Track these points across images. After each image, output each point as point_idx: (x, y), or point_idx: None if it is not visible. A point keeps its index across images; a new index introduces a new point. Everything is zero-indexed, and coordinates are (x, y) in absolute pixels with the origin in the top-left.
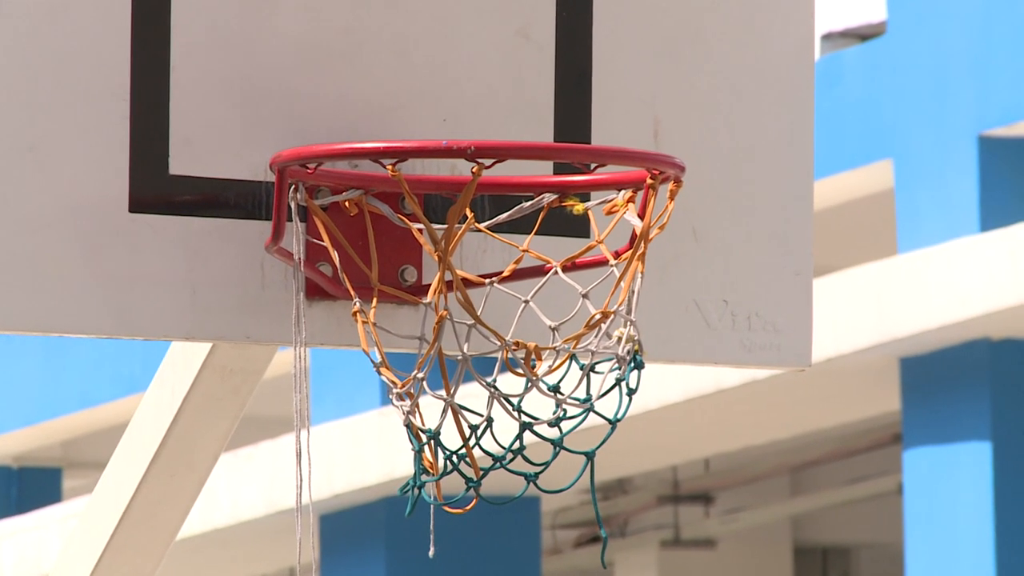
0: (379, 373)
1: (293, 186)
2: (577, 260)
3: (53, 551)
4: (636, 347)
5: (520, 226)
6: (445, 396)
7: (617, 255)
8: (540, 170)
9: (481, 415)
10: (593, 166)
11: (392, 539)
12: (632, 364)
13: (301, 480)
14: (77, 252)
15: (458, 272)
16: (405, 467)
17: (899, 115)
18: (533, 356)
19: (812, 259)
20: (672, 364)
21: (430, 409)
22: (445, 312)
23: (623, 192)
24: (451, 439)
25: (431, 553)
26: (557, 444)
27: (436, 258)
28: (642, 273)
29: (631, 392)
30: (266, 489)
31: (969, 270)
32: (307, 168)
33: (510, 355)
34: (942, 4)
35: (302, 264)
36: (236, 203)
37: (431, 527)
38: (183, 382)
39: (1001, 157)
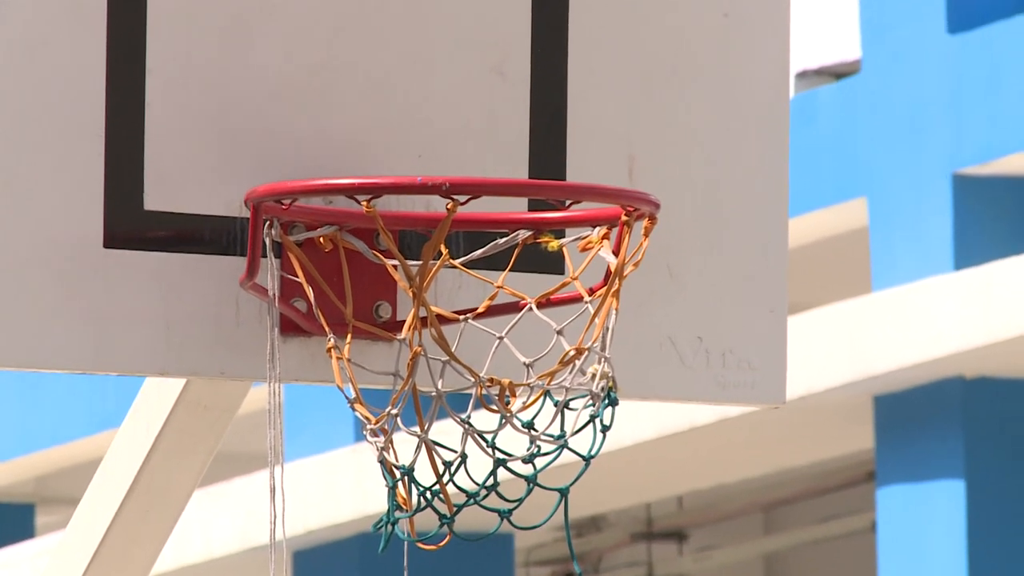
0: (353, 409)
1: (268, 222)
2: (552, 296)
3: None
4: (610, 384)
5: (495, 262)
6: (419, 432)
7: (592, 292)
8: (515, 206)
9: (455, 451)
10: (568, 203)
11: (366, 575)
12: (606, 401)
13: (275, 516)
14: (52, 287)
15: (432, 308)
16: (379, 503)
17: (874, 153)
18: (507, 392)
19: (787, 296)
20: (646, 401)
21: (404, 445)
22: (419, 348)
23: (598, 229)
24: (425, 475)
25: None
26: (531, 480)
27: (411, 294)
28: (616, 310)
29: (605, 429)
30: (240, 525)
31: (943, 308)
32: (282, 204)
33: (484, 391)
34: (917, 42)
35: (276, 300)
36: (211, 239)
37: (405, 563)
38: (157, 418)
39: (976, 195)
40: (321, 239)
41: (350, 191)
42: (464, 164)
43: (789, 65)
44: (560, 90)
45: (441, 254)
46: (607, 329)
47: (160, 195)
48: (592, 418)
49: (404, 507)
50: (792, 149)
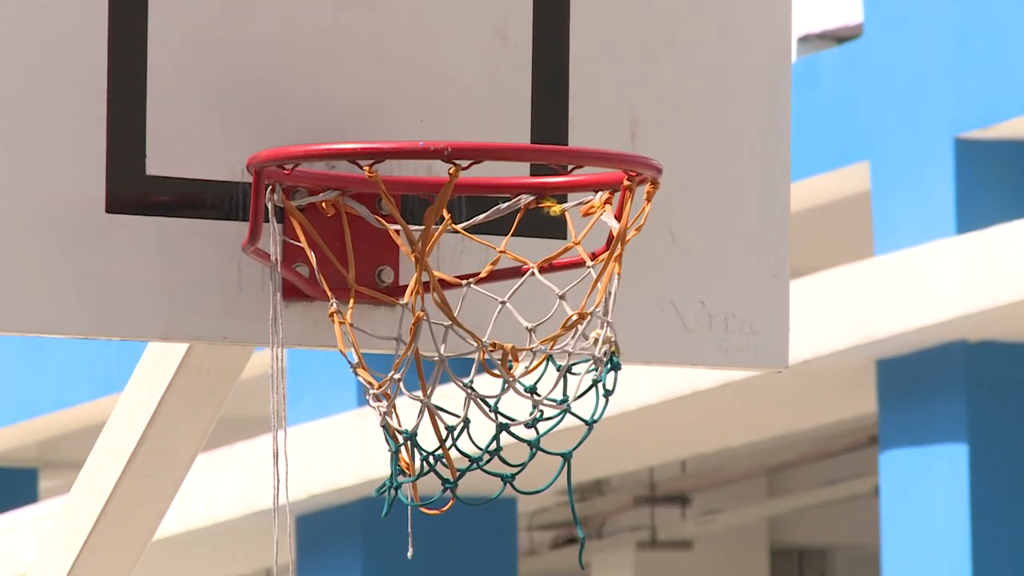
0: (356, 374)
1: (270, 187)
2: (554, 261)
3: (29, 552)
4: (613, 348)
5: (497, 227)
6: (422, 397)
7: (594, 256)
8: (517, 171)
9: (458, 416)
10: (570, 167)
11: (369, 540)
12: (609, 365)
13: (278, 481)
14: (54, 252)
15: (435, 273)
16: (382, 468)
17: (876, 117)
18: (510, 357)
19: (789, 261)
20: (649, 365)
21: (407, 410)
22: (422, 313)
23: (600, 193)
24: (428, 440)
25: (409, 554)
26: (534, 445)
27: (413, 259)
28: (619, 274)
29: (608, 393)
30: (243, 490)
31: (946, 272)
32: (284, 169)
33: (487, 356)
34: (919, 6)
35: (279, 265)
36: (213, 204)
37: (408, 528)
38: (160, 383)
39: (978, 159)
40: (323, 204)
41: (352, 156)
42: (466, 129)
43: (791, 29)
44: (562, 54)
45: (443, 219)
46: (609, 294)
47: (162, 160)
48: (595, 383)
49: (407, 472)
50: (794, 113)
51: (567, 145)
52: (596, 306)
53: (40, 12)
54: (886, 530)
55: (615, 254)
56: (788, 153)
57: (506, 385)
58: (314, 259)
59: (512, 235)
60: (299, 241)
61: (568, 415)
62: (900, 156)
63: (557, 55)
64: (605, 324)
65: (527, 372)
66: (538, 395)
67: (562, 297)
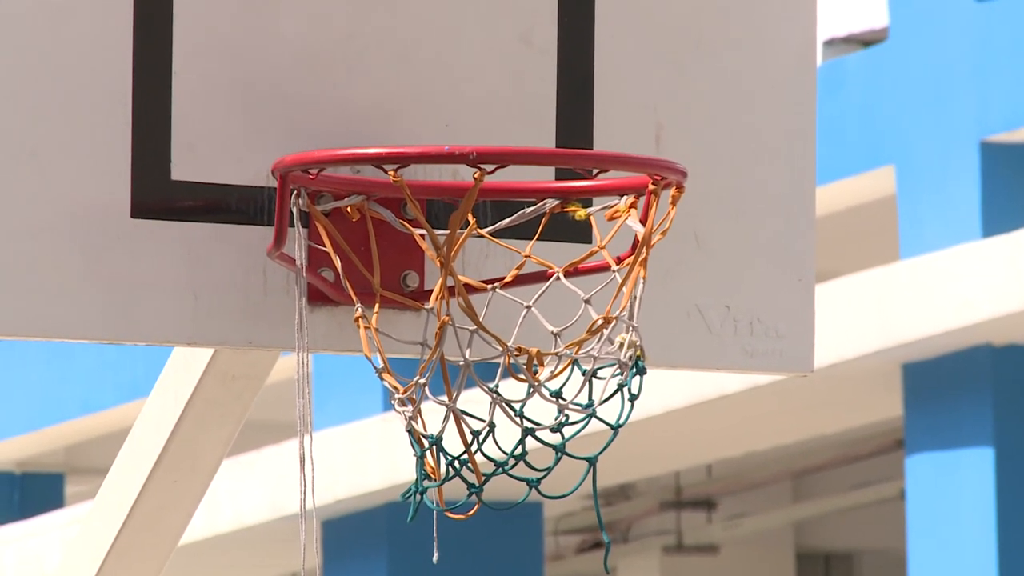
0: (381, 379)
1: (295, 191)
2: (579, 266)
3: (55, 557)
4: (638, 352)
5: (522, 232)
6: (447, 402)
7: (619, 261)
8: (542, 176)
9: (483, 420)
10: (595, 172)
11: (394, 544)
12: (634, 370)
13: (304, 485)
14: (79, 258)
15: (460, 277)
16: (407, 472)
17: (901, 121)
18: (535, 361)
19: (814, 265)
20: (674, 370)
21: (432, 415)
22: (447, 318)
23: (625, 198)
24: (453, 445)
25: (435, 559)
26: (559, 450)
27: (438, 263)
28: (644, 279)
29: (633, 398)
30: (269, 494)
31: (971, 276)
32: (309, 174)
33: (512, 360)
34: (944, 10)
35: (304, 270)
36: (238, 208)
37: (434, 533)
38: (185, 387)
39: (1003, 163)
40: (348, 209)
41: (377, 160)
42: (491, 133)
43: (816, 33)
44: (587, 58)
45: (468, 223)
46: (635, 298)
47: (187, 165)
48: (620, 387)
49: (432, 476)
50: (820, 117)
51: (592, 149)
52: (621, 310)
53: (65, 17)
54: (912, 534)
55: (640, 258)
56: (813, 157)
57: (531, 389)
58: (339, 263)
59: (537, 239)
60: (324, 246)
61: (594, 419)
62: (925, 160)
63: (582, 59)
64: (630, 328)
65: (552, 376)
66: (563, 399)
67: (587, 301)
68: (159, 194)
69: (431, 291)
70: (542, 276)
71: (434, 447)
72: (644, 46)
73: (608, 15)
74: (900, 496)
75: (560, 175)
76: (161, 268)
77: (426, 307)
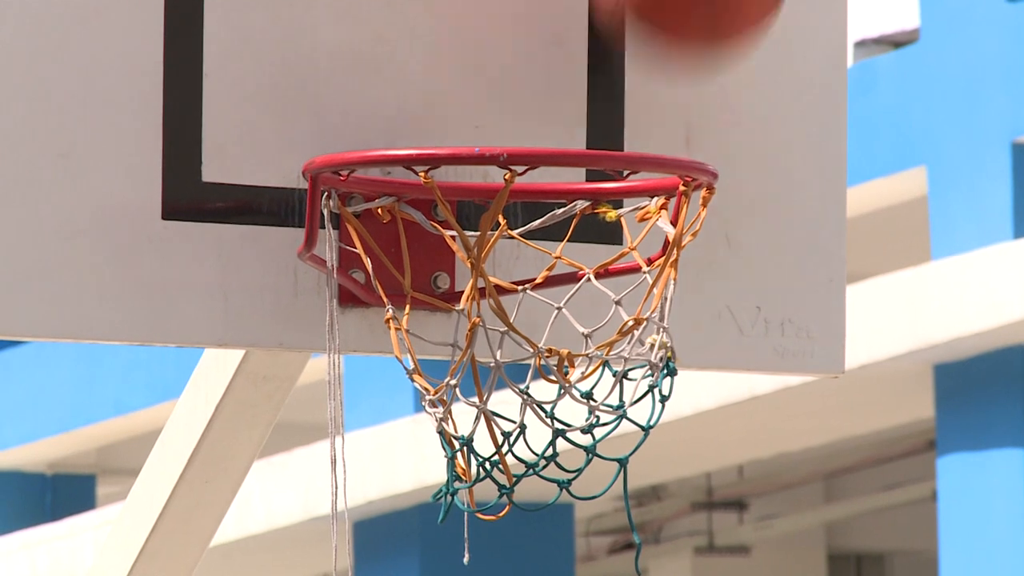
0: (412, 380)
1: (326, 193)
2: (610, 267)
3: (87, 558)
4: (669, 354)
5: (553, 233)
6: (478, 403)
7: (650, 262)
8: (573, 177)
9: (514, 422)
10: (626, 173)
11: (426, 545)
12: (665, 371)
13: (335, 487)
14: (110, 259)
15: (491, 279)
16: (438, 474)
17: (932, 122)
18: (566, 363)
19: (845, 266)
20: (705, 371)
21: (463, 416)
22: (478, 319)
23: (656, 199)
24: (484, 446)
25: (466, 560)
26: (590, 451)
27: (469, 265)
28: (675, 280)
29: (664, 399)
30: (301, 496)
31: (1003, 276)
32: (340, 175)
33: (543, 362)
34: (975, 11)
35: (335, 271)
36: (269, 210)
37: (465, 534)
38: (216, 389)
39: None
40: (379, 210)
41: (408, 162)
42: (522, 134)
43: (847, 34)
44: (618, 60)
45: (499, 224)
46: (665, 299)
47: (218, 166)
48: (651, 388)
49: (463, 478)
50: (851, 118)
51: (623, 151)
52: (652, 311)
53: (96, 19)
54: (944, 535)
55: (671, 259)
56: (844, 158)
57: (562, 391)
58: (370, 265)
59: (568, 241)
60: (355, 247)
61: (624, 420)
62: (957, 160)
63: (612, 61)
64: (661, 329)
65: (583, 378)
66: (594, 400)
67: (618, 303)
68: (190, 196)
69: (462, 292)
70: (573, 277)
71: (465, 448)
72: None
73: None
74: (932, 497)
75: (591, 176)
76: (192, 269)
77: (457, 308)
